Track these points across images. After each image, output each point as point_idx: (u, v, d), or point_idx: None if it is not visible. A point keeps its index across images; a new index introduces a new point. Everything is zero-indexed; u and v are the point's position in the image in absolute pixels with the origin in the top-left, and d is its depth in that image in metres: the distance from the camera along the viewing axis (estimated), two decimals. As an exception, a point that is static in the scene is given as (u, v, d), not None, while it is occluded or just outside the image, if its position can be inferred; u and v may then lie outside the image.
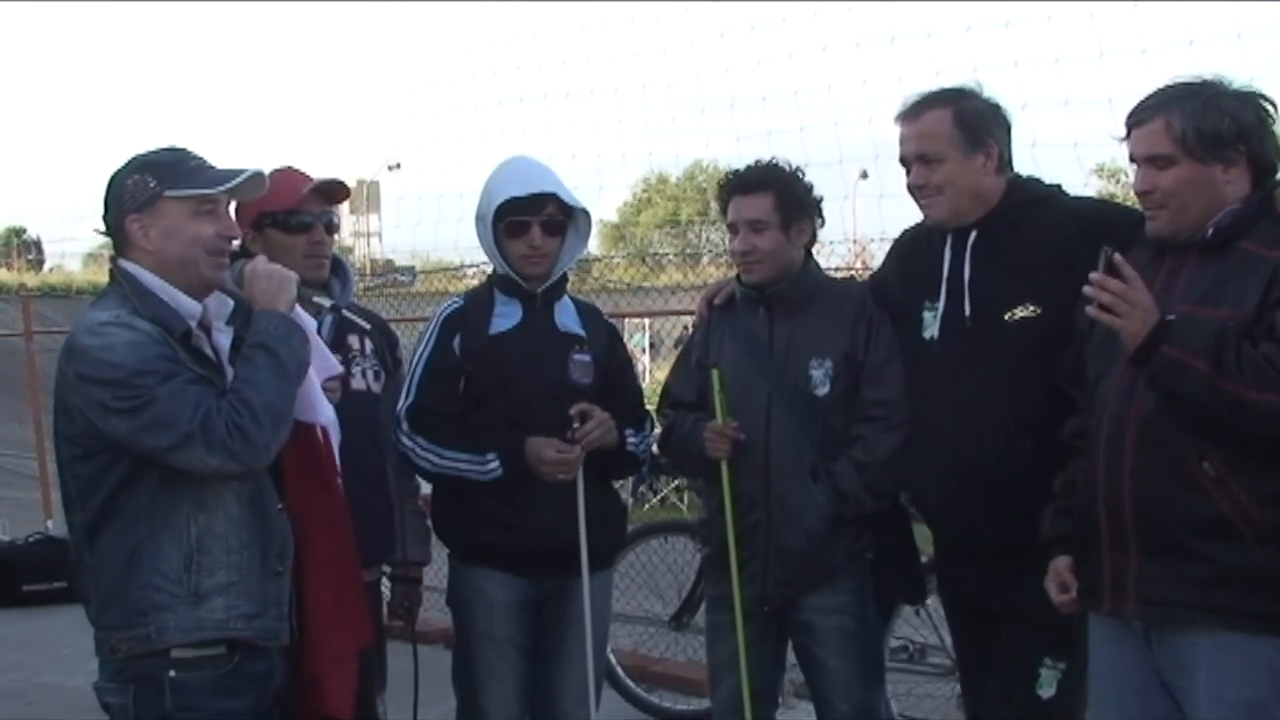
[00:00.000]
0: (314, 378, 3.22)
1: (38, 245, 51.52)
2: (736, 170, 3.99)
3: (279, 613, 3.15)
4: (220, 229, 3.11)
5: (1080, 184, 3.84)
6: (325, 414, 3.29)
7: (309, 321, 3.26)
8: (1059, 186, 3.72)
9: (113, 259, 3.14)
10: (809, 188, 3.98)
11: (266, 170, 3.25)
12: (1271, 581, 2.95)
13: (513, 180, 4.01)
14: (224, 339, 3.19)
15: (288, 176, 3.82)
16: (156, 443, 2.87)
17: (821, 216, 4.04)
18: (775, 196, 3.88)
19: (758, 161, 3.98)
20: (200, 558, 3.00)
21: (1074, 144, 6.07)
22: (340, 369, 3.45)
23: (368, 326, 3.98)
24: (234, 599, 3.04)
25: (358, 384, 3.87)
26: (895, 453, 3.79)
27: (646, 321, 16.06)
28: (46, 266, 47.07)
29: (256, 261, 3.22)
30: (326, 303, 3.41)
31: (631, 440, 4.10)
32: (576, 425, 3.88)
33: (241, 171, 3.12)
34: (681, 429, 4.09)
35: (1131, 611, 3.12)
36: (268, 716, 3.20)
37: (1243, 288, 2.96)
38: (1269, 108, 3.09)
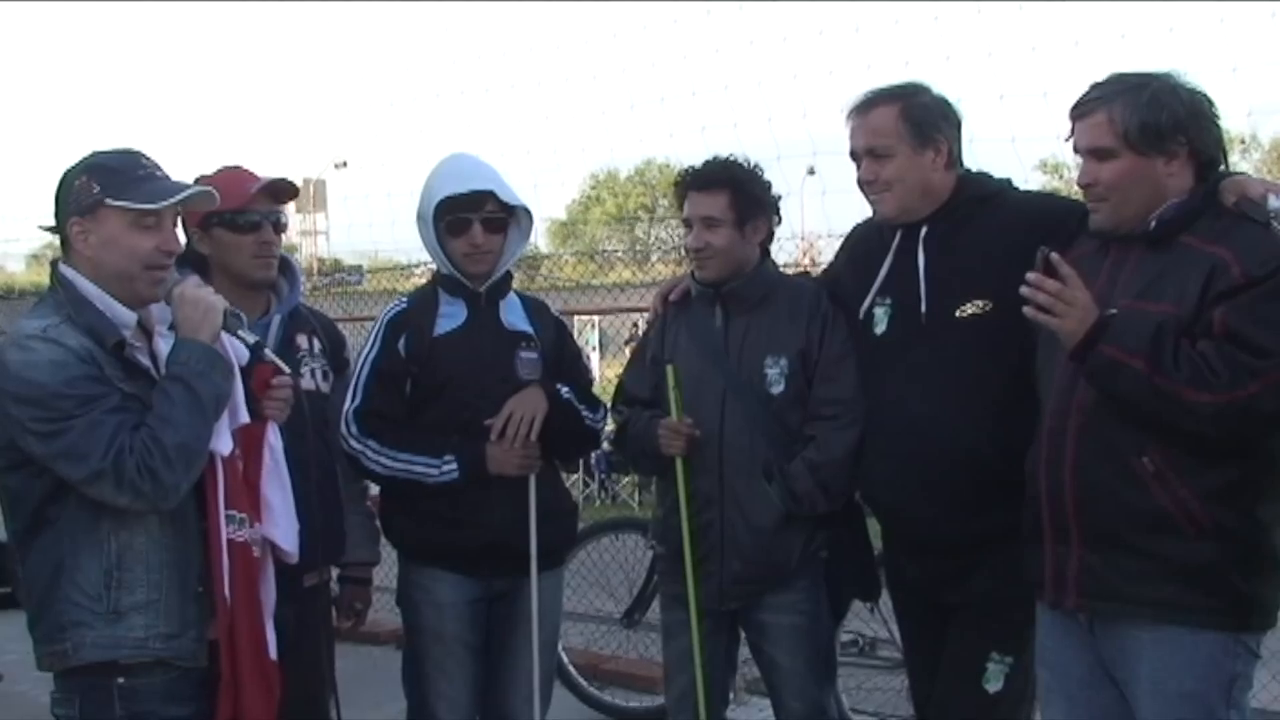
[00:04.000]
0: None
1: (-24, 246, 50.84)
2: (693, 166, 3.97)
3: (198, 634, 3.10)
4: (160, 243, 3.03)
5: (1022, 179, 3.88)
6: (224, 445, 3.16)
7: (240, 351, 3.20)
8: (1009, 181, 3.74)
9: (54, 262, 3.08)
10: (766, 185, 3.97)
11: (215, 189, 3.19)
12: (1211, 576, 2.97)
13: (451, 178, 3.99)
14: (165, 345, 3.12)
15: (235, 176, 3.77)
16: (68, 473, 2.85)
17: (779, 214, 4.03)
18: (731, 194, 3.87)
19: (715, 157, 3.96)
20: (120, 574, 2.96)
21: (1011, 138, 6.10)
22: (246, 418, 3.29)
23: (316, 325, 3.97)
24: (153, 618, 2.99)
25: (306, 384, 3.82)
26: (849, 452, 3.78)
27: (596, 319, 16.03)
28: (-13, 267, 46.44)
29: (185, 285, 3.14)
30: (250, 339, 3.31)
31: (589, 415, 4.09)
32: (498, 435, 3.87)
33: (186, 186, 3.07)
34: (636, 425, 4.06)
35: (1072, 604, 3.14)
36: None
37: (1183, 283, 2.97)
38: (1210, 101, 3.11)
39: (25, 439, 2.85)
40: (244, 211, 3.70)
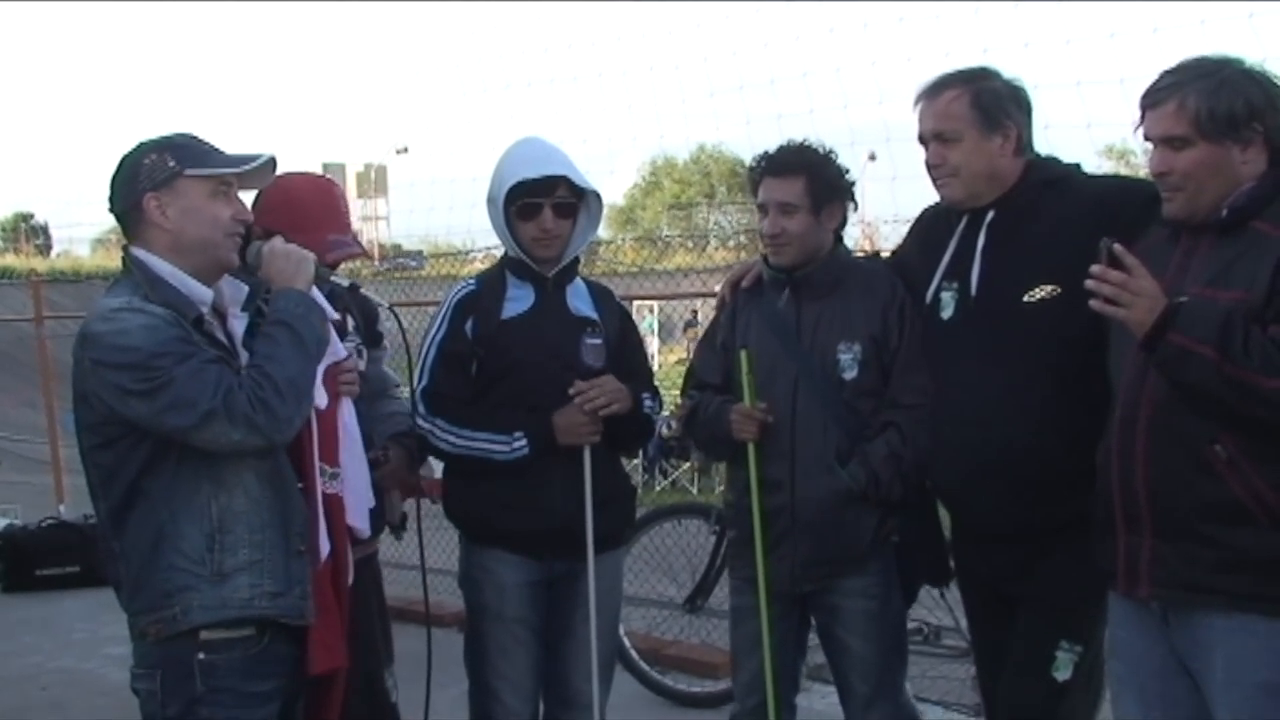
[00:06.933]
0: None
1: (45, 231, 51.71)
2: (767, 151, 3.95)
3: (302, 591, 3.14)
4: (235, 212, 3.10)
5: (1092, 165, 3.84)
6: (318, 398, 3.25)
7: (324, 305, 3.25)
8: (1077, 165, 3.69)
9: (124, 247, 3.13)
10: (841, 171, 3.95)
11: (277, 158, 3.22)
12: None
13: (524, 162, 3.99)
14: (239, 325, 3.18)
15: (332, 210, 3.90)
16: (178, 422, 2.86)
17: (854, 200, 4.01)
18: (807, 179, 3.85)
19: (790, 142, 3.95)
20: (223, 537, 3.00)
21: (1087, 125, 6.03)
22: (345, 353, 3.45)
23: (350, 303, 3.99)
24: (258, 577, 3.04)
25: None
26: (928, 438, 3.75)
27: (655, 304, 16.04)
28: (54, 252, 47.22)
29: (274, 242, 3.22)
30: (345, 283, 3.41)
31: (648, 403, 4.11)
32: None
33: (257, 156, 3.12)
34: (707, 410, 4.05)
35: (1145, 594, 3.10)
36: (295, 701, 3.20)
37: (1254, 268, 2.93)
38: None
39: (127, 403, 2.87)
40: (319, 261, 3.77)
